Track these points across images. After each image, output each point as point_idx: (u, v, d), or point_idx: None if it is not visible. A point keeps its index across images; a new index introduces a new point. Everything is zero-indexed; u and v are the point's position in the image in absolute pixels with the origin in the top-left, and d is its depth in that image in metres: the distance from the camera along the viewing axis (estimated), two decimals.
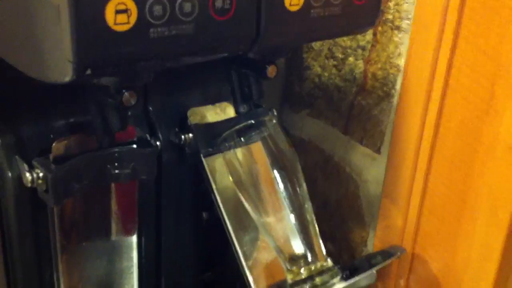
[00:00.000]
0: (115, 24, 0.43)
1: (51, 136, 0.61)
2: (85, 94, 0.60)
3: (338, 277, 0.66)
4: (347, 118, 0.83)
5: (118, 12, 0.43)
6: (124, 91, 0.54)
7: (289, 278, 0.68)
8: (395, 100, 0.75)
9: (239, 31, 0.52)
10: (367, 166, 0.81)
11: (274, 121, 0.71)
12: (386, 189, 0.77)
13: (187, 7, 0.47)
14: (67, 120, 0.62)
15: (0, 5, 0.48)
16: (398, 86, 0.74)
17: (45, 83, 0.49)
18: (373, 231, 0.83)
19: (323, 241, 0.90)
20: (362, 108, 0.80)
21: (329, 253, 0.86)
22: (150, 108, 0.69)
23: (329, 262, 0.68)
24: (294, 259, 0.69)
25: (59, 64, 0.44)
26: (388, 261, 0.66)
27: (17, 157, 0.59)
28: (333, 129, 0.85)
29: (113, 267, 0.70)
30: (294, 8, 0.54)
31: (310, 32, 0.58)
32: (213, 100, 0.73)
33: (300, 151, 0.91)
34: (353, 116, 0.81)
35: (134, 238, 0.71)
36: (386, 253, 0.68)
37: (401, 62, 0.73)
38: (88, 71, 0.44)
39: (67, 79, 0.44)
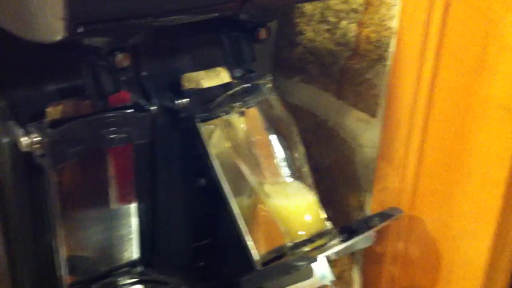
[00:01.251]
0: None
1: (43, 100, 0.61)
2: (77, 57, 0.59)
3: (337, 239, 0.67)
4: (339, 82, 0.83)
5: None
6: (116, 52, 0.54)
7: (288, 241, 0.68)
8: (388, 62, 0.75)
9: None
10: (362, 130, 0.82)
11: (269, 85, 0.71)
12: (382, 152, 0.77)
13: None
14: (59, 84, 0.62)
15: None
16: (391, 49, 0.74)
17: (37, 46, 0.49)
18: (370, 195, 0.83)
19: None
20: (355, 72, 0.80)
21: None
22: (143, 73, 0.69)
23: (328, 225, 0.69)
24: (296, 223, 0.69)
25: (49, 22, 0.44)
26: (385, 223, 0.67)
27: (11, 122, 0.59)
28: (326, 94, 0.85)
29: (112, 233, 0.71)
30: None
31: None
32: (206, 65, 0.73)
33: (293, 117, 0.91)
34: (346, 80, 0.81)
35: (132, 204, 0.71)
36: (384, 215, 0.69)
37: (394, 24, 0.73)
38: (80, 29, 0.44)
39: (58, 37, 0.44)
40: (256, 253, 0.70)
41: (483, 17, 0.62)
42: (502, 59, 0.60)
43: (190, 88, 0.69)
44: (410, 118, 0.72)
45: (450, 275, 0.74)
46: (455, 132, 0.68)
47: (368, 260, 0.86)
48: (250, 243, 0.71)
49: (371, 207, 0.82)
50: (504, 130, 0.62)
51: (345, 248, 0.66)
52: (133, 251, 0.74)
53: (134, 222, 0.72)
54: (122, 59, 0.55)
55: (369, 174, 0.83)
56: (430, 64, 0.68)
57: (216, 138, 0.72)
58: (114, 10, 0.45)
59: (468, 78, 0.65)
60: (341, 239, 0.67)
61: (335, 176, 0.87)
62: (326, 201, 0.88)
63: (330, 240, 0.67)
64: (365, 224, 0.69)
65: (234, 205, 0.71)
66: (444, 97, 0.68)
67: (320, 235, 0.68)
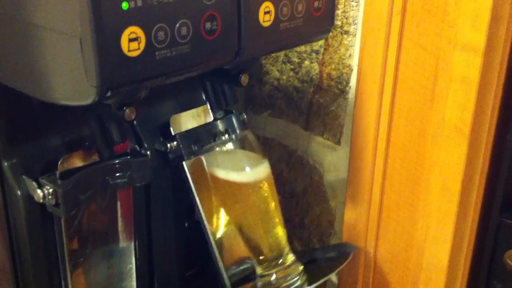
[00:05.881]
0: (129, 51, 0.50)
1: (52, 153, 0.67)
2: (83, 113, 0.66)
3: (303, 278, 0.75)
4: (307, 115, 0.92)
5: (130, 40, 0.50)
6: (125, 107, 0.61)
7: (259, 271, 0.76)
8: (350, 96, 0.85)
9: (225, 47, 0.60)
10: (329, 157, 0.91)
11: (244, 123, 0.80)
12: (351, 175, 0.86)
13: (184, 30, 0.54)
14: (67, 138, 0.68)
15: (18, 42, 0.54)
16: (352, 83, 0.84)
17: (42, 104, 0.56)
18: (340, 214, 0.92)
19: (292, 228, 0.99)
20: (320, 105, 0.89)
21: (300, 238, 0.96)
22: (135, 121, 0.76)
23: (292, 257, 0.76)
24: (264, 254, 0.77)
25: (82, 88, 0.50)
26: (344, 264, 0.77)
27: (24, 176, 0.65)
28: (294, 126, 0.95)
29: (116, 271, 0.76)
30: (266, 24, 0.63)
31: (280, 42, 0.67)
32: (190, 107, 0.80)
33: (265, 148, 1.00)
34: (313, 113, 0.91)
35: (132, 242, 0.77)
36: (342, 252, 0.80)
37: (353, 62, 0.83)
38: (109, 93, 0.51)
39: (89, 101, 0.51)
40: (226, 278, 0.79)
41: (431, 55, 0.73)
42: (451, 89, 0.71)
43: (179, 133, 0.76)
44: (373, 143, 0.82)
45: (418, 278, 0.84)
46: (415, 153, 0.79)
47: (344, 270, 0.95)
48: (221, 268, 0.78)
49: (344, 225, 0.91)
50: (457, 148, 0.73)
51: None
52: (133, 286, 0.80)
53: (133, 258, 0.78)
54: (130, 113, 0.61)
55: (338, 196, 0.92)
56: (389, 96, 0.78)
57: (200, 174, 0.79)
58: (136, 76, 0.52)
59: (423, 105, 0.76)
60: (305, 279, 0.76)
61: (307, 199, 0.96)
62: (299, 222, 0.97)
63: (294, 276, 0.76)
64: (323, 255, 0.82)
65: (212, 239, 0.78)
66: (402, 122, 0.79)
67: (287, 267, 0.76)
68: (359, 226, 0.88)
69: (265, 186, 0.74)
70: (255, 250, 0.76)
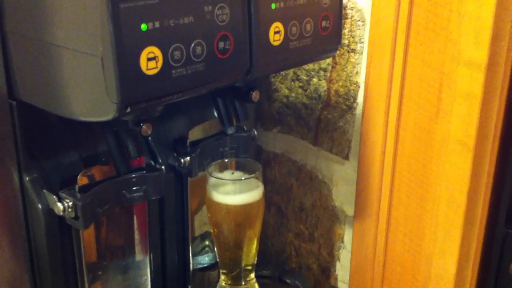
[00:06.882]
0: (147, 69, 0.53)
1: (71, 168, 0.70)
2: (101, 129, 0.69)
3: None
4: (315, 131, 0.94)
5: (149, 59, 0.53)
6: (142, 123, 0.64)
7: (222, 278, 0.81)
8: (357, 111, 0.87)
9: (237, 65, 0.63)
10: (337, 171, 0.93)
11: (255, 139, 0.83)
12: (359, 188, 0.89)
13: (199, 50, 0.57)
14: (85, 153, 0.71)
15: (41, 62, 0.57)
16: (359, 100, 0.86)
17: (64, 122, 0.59)
18: (349, 227, 0.94)
19: (302, 242, 1.01)
20: (328, 121, 0.92)
21: (310, 252, 0.98)
22: (149, 137, 0.78)
23: (254, 277, 0.81)
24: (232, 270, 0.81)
25: (102, 105, 0.53)
26: None
27: (45, 190, 0.67)
28: (303, 141, 0.97)
29: (132, 283, 0.79)
30: (276, 43, 0.66)
31: (289, 60, 0.70)
32: (201, 121, 0.83)
33: (275, 163, 1.02)
34: (321, 129, 0.93)
35: (146, 255, 0.79)
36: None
37: (359, 79, 0.86)
38: (128, 109, 0.53)
39: (110, 117, 0.54)
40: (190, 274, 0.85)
41: (436, 71, 0.75)
42: (456, 104, 0.73)
43: (194, 152, 0.78)
44: (381, 157, 0.84)
45: None
46: (421, 166, 0.81)
47: (353, 282, 0.96)
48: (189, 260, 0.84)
49: (353, 238, 0.93)
50: (462, 161, 0.75)
51: None
52: None
53: (148, 270, 0.81)
54: (146, 129, 0.64)
55: (346, 209, 0.94)
56: (395, 111, 0.80)
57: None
58: (154, 93, 0.55)
59: (428, 120, 0.78)
60: None
61: (316, 212, 0.98)
62: (309, 236, 0.99)
63: None
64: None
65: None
66: (408, 137, 0.81)
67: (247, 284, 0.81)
68: (368, 238, 0.90)
69: (255, 210, 0.77)
70: (226, 264, 0.80)
